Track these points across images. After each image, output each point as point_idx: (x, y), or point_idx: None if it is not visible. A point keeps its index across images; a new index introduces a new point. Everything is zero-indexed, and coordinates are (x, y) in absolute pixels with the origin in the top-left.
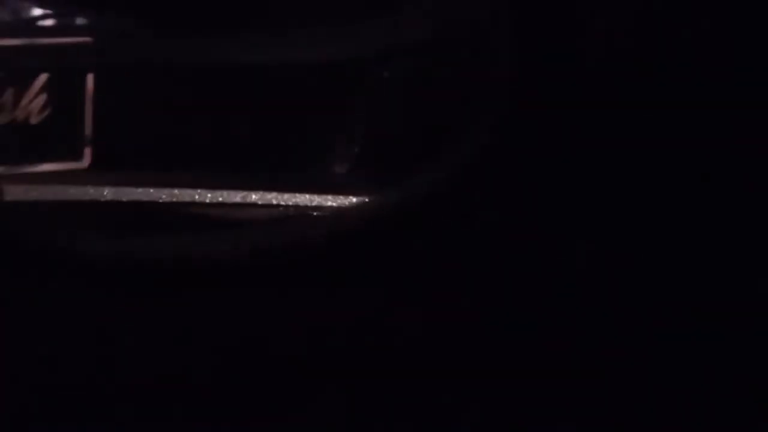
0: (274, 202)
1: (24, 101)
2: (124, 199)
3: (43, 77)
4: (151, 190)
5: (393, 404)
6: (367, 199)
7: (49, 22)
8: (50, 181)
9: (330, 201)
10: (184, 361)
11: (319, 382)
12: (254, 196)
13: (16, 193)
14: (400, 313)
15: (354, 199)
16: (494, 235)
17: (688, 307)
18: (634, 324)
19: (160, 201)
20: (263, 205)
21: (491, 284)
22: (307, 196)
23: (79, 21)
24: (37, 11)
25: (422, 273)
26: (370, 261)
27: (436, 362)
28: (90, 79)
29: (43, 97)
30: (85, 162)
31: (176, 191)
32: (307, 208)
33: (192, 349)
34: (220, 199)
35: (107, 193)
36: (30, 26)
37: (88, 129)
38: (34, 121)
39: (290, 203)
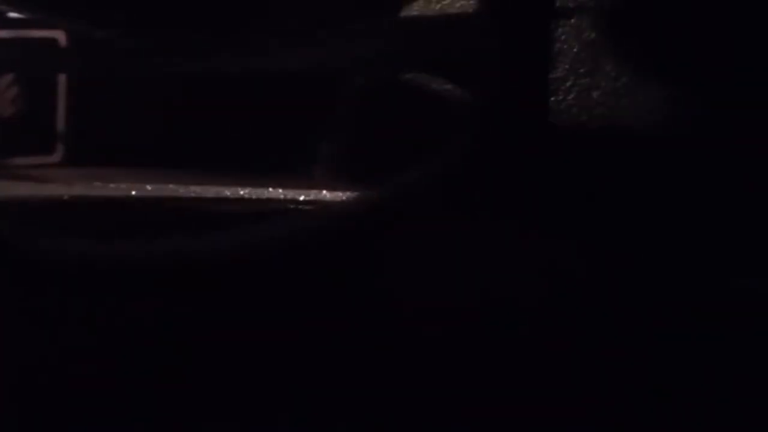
0: (247, 196)
1: None
2: (95, 194)
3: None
4: (123, 186)
5: (391, 404)
6: (353, 195)
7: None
8: (20, 176)
9: (311, 196)
10: (167, 360)
11: (314, 381)
12: (227, 192)
13: None
14: (392, 311)
15: (340, 195)
16: (484, 235)
17: (688, 308)
18: (634, 324)
19: (132, 197)
20: (236, 200)
21: (487, 283)
22: (281, 190)
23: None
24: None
25: (410, 271)
26: (358, 257)
27: (431, 362)
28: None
29: (13, 91)
30: (57, 157)
31: (149, 187)
32: (284, 203)
33: (179, 348)
34: (194, 194)
35: (77, 188)
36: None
37: (59, 123)
38: (4, 114)
39: (264, 198)
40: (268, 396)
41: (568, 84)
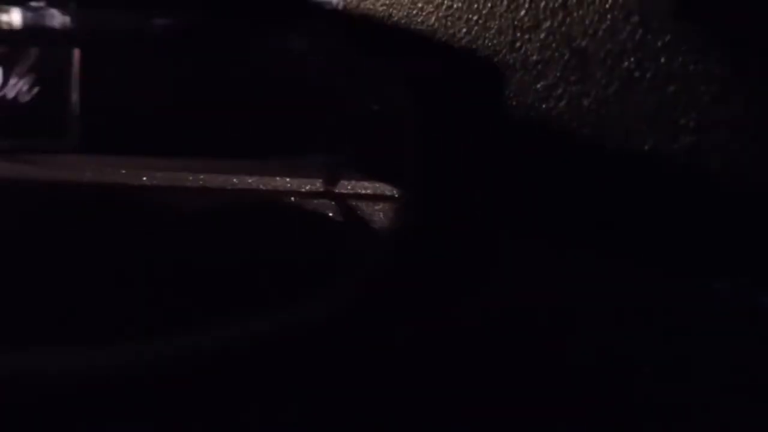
0: (254, 186)
1: (12, 80)
2: (106, 181)
3: (32, 56)
4: (134, 173)
5: (391, 405)
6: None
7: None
8: (34, 160)
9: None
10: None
11: (311, 380)
12: (235, 180)
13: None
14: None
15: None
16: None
17: (687, 308)
18: (634, 324)
19: (142, 184)
20: (245, 190)
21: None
22: (288, 179)
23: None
24: None
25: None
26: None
27: (433, 361)
28: (77, 59)
29: (31, 77)
30: (71, 142)
31: (159, 174)
32: (291, 194)
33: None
34: (202, 183)
35: (89, 174)
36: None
37: (74, 109)
38: (21, 99)
39: (268, 187)
40: (268, 396)
41: (559, 91)
